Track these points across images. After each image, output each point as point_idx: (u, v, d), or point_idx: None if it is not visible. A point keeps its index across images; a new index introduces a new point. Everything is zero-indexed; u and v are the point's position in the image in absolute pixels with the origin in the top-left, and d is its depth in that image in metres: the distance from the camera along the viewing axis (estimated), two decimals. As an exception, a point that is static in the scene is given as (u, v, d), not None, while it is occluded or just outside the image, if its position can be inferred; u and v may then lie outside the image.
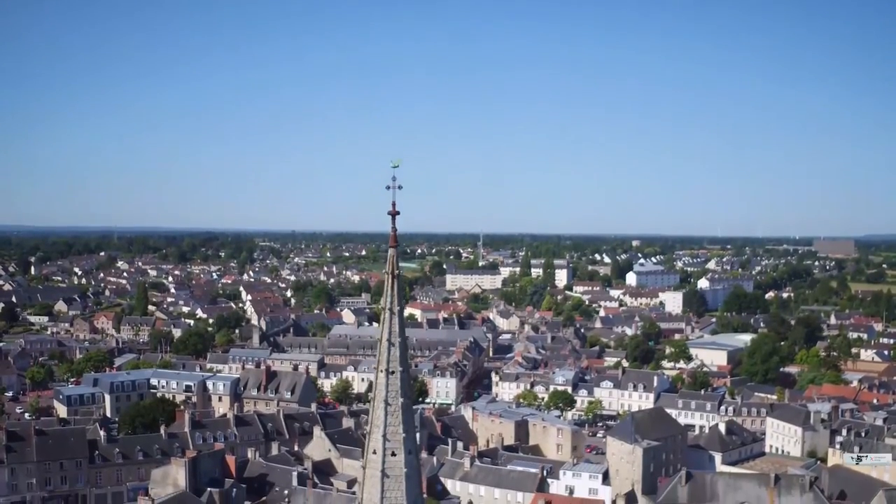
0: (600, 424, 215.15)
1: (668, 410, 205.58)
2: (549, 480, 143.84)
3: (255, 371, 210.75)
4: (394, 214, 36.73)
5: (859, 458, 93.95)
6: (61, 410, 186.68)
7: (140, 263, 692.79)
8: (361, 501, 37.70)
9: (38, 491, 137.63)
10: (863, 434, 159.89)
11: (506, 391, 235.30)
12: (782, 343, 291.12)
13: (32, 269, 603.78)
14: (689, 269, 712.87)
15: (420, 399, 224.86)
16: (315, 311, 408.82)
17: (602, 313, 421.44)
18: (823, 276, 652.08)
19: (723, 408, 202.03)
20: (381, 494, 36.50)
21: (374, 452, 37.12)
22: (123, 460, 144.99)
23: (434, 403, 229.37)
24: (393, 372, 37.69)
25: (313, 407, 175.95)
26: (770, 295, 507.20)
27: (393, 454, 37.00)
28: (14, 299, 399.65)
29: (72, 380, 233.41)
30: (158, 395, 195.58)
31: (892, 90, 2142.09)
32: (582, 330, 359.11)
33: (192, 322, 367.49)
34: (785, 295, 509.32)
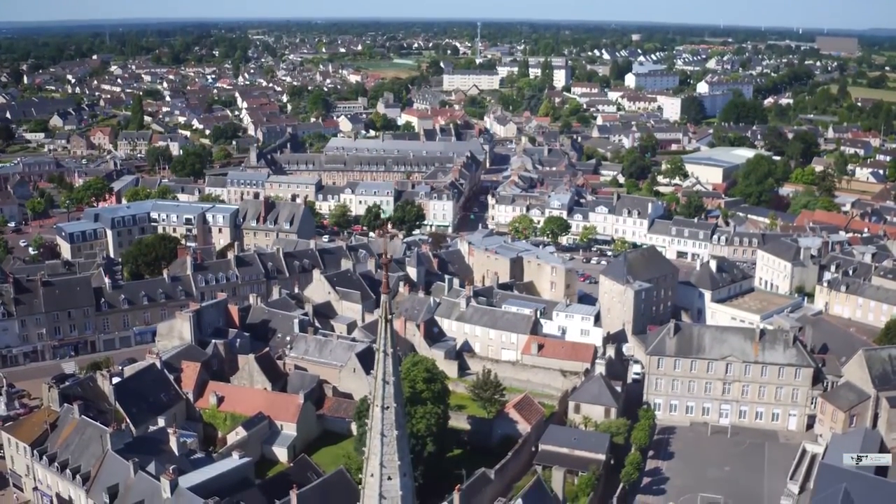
0: (595, 249, 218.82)
1: (661, 237, 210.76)
2: (543, 321, 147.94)
3: (254, 202, 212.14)
4: (386, 264, 37.15)
5: (859, 458, 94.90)
6: (64, 248, 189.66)
7: (133, 68, 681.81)
8: None
9: (48, 340, 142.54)
10: (850, 273, 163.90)
11: (501, 214, 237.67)
12: (778, 159, 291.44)
13: (25, 78, 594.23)
14: (688, 68, 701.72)
15: (418, 223, 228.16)
16: (312, 121, 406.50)
17: (599, 121, 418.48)
18: (824, 78, 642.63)
19: (715, 237, 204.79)
20: (378, 516, 38.60)
21: (372, 476, 39.20)
22: (129, 306, 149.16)
23: (431, 226, 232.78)
24: (388, 407, 39.21)
25: (312, 244, 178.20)
26: (769, 101, 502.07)
27: (389, 478, 39.05)
28: (8, 115, 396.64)
29: (73, 208, 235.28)
30: (159, 229, 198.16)
31: None
32: (579, 139, 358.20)
33: (188, 134, 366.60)
34: (784, 102, 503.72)
